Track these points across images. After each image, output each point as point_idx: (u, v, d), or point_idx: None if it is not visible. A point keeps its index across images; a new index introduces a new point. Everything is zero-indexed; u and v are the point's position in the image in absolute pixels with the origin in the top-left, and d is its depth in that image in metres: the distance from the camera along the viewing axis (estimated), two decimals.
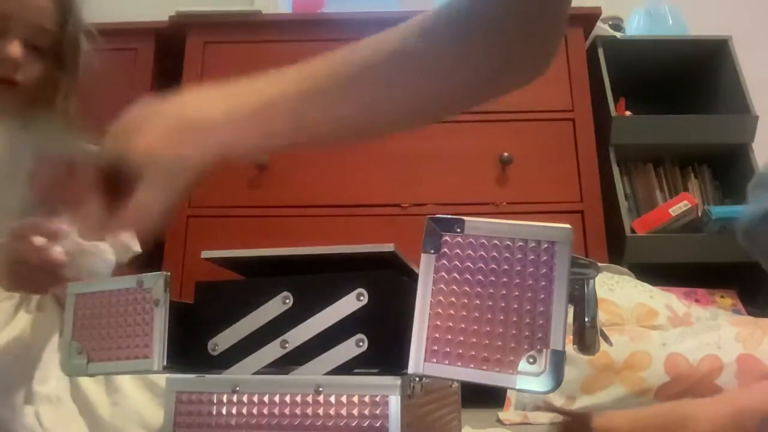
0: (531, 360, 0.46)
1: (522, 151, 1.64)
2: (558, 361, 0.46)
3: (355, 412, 0.52)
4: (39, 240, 0.75)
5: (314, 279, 0.59)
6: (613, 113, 1.78)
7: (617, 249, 1.66)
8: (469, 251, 0.50)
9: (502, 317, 0.48)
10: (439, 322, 0.49)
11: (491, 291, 0.49)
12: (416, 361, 0.50)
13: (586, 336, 0.54)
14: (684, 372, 1.28)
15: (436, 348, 0.49)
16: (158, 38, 1.78)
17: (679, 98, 2.11)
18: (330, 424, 0.53)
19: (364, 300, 0.56)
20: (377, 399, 0.52)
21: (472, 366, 0.48)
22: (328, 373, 0.56)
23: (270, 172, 1.64)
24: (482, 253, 0.49)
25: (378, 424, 0.52)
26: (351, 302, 0.57)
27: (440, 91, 0.60)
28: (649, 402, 1.28)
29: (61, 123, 1.09)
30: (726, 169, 1.89)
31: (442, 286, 0.50)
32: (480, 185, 1.63)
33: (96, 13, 2.01)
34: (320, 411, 0.53)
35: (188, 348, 0.61)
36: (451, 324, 0.49)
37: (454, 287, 0.49)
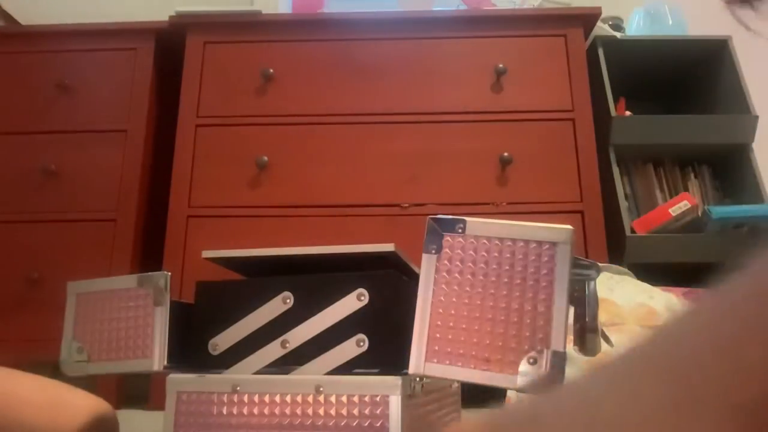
0: (532, 360, 0.46)
1: (522, 151, 1.65)
2: (559, 362, 0.46)
3: (356, 412, 0.52)
4: None
5: (315, 279, 0.59)
6: (613, 113, 1.77)
7: (617, 249, 1.66)
8: (471, 251, 0.50)
9: (503, 318, 0.48)
10: (440, 322, 0.49)
11: (492, 291, 0.49)
12: (417, 361, 0.49)
13: (587, 337, 0.54)
14: None
15: (436, 348, 0.49)
16: (158, 38, 1.78)
17: (679, 98, 2.11)
18: (330, 424, 0.53)
19: (365, 300, 0.56)
20: (377, 399, 0.52)
21: (472, 366, 0.48)
22: (329, 373, 0.56)
23: (270, 172, 1.65)
24: (483, 253, 0.49)
25: (378, 424, 0.52)
26: (351, 302, 0.57)
27: None
28: None
29: None
30: (726, 169, 1.89)
31: (443, 286, 0.50)
32: (480, 185, 1.63)
33: (96, 13, 2.01)
34: (320, 411, 0.53)
35: (189, 348, 0.61)
36: (452, 324, 0.49)
37: (455, 287, 0.49)
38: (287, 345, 0.58)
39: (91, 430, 0.59)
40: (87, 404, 0.60)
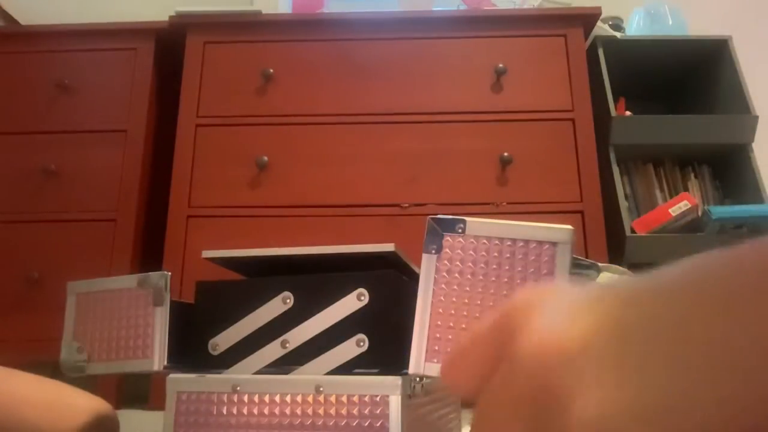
0: None
1: (522, 151, 1.65)
2: None
3: (356, 412, 0.52)
4: None
5: (315, 279, 0.59)
6: (613, 113, 1.77)
7: (617, 249, 1.66)
8: (471, 251, 0.50)
9: None
10: (440, 322, 0.49)
11: (492, 291, 0.49)
12: (417, 361, 0.49)
13: None
14: None
15: (436, 348, 0.49)
16: (158, 38, 1.78)
17: (679, 98, 2.11)
18: (330, 424, 0.53)
19: (365, 300, 0.56)
20: (377, 399, 0.52)
21: None
22: (329, 373, 0.56)
23: (270, 172, 1.65)
24: (483, 253, 0.49)
25: (378, 424, 0.52)
26: (351, 302, 0.57)
27: None
28: None
29: None
30: (726, 169, 1.89)
31: (443, 286, 0.50)
32: (480, 185, 1.63)
33: (96, 13, 2.01)
34: (320, 411, 0.53)
35: (189, 348, 0.61)
36: (452, 324, 0.49)
37: (455, 287, 0.49)
38: (287, 345, 0.58)
39: (92, 430, 0.59)
40: (87, 404, 0.60)
